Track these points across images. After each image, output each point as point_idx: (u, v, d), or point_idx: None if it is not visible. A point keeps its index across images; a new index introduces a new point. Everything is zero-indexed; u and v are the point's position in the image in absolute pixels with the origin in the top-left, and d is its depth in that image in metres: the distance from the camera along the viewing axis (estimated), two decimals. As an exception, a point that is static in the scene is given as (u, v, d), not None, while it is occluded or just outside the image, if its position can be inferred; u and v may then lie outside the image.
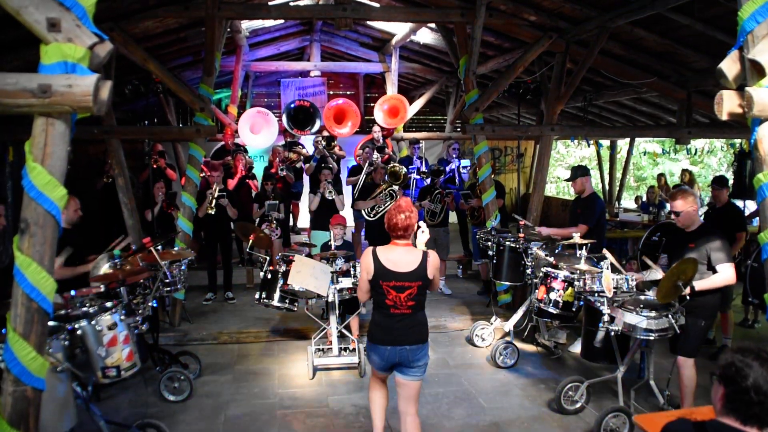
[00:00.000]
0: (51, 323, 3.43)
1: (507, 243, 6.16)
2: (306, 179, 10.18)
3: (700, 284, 4.22)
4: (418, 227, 3.78)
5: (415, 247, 3.77)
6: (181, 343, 6.47)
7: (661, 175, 12.29)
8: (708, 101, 7.63)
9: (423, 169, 9.63)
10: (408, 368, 3.74)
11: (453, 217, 9.79)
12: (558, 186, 22.53)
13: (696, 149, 18.38)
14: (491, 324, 6.51)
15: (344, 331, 5.97)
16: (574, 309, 5.24)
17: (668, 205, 4.86)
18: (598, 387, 5.02)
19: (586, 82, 9.18)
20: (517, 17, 7.12)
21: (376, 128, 10.35)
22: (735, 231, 6.15)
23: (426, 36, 10.10)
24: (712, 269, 4.33)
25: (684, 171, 12.48)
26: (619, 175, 14.45)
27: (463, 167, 9.55)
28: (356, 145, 11.16)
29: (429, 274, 3.67)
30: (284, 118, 10.31)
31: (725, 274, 4.29)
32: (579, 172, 6.28)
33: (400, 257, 3.66)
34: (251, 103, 12.85)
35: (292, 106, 10.48)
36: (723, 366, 2.08)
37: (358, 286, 3.89)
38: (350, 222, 9.02)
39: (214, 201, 7.65)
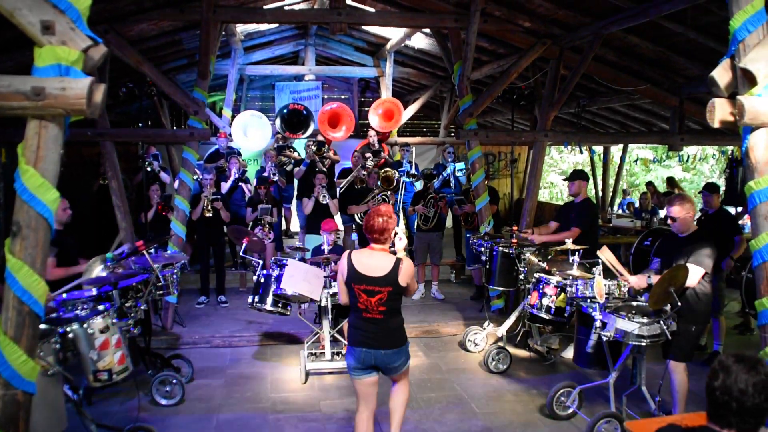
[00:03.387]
0: (42, 326, 3.42)
1: (499, 248, 6.18)
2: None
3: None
4: (395, 234, 3.78)
5: (394, 253, 3.76)
6: (173, 347, 6.44)
7: (649, 183, 12.29)
8: (700, 108, 7.68)
9: (413, 172, 9.62)
10: (387, 371, 3.79)
11: (449, 221, 9.78)
12: (551, 191, 22.56)
13: (688, 156, 18.47)
14: (484, 329, 6.52)
15: (337, 335, 5.96)
16: (566, 314, 5.27)
17: (663, 210, 4.88)
18: (590, 393, 5.03)
19: (580, 88, 9.23)
20: (511, 23, 7.16)
21: (371, 132, 10.30)
22: (730, 235, 6.19)
23: (420, 41, 10.12)
24: None
25: (669, 179, 12.37)
26: (612, 181, 14.54)
27: (459, 170, 9.55)
28: (353, 150, 11.13)
29: (401, 281, 3.64)
30: (277, 121, 10.26)
31: (689, 275, 4.22)
32: (581, 176, 6.35)
33: (372, 262, 3.68)
34: (246, 107, 12.84)
35: (285, 111, 10.43)
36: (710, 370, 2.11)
37: (338, 288, 3.91)
38: (340, 226, 9.01)
39: (209, 204, 7.64)
